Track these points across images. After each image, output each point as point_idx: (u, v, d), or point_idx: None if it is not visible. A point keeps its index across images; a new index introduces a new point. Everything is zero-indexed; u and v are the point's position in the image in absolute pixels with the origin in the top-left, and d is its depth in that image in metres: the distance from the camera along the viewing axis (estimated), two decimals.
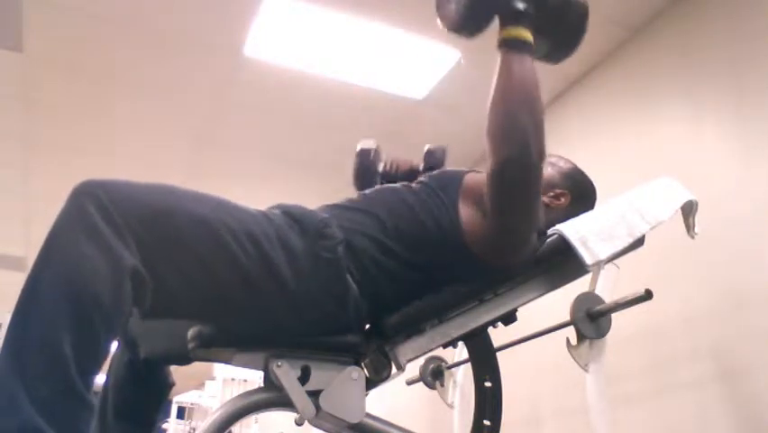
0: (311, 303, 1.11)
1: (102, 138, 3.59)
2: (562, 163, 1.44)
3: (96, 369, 0.91)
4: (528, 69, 1.12)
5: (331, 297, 1.12)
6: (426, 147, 1.62)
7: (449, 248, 1.21)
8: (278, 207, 1.19)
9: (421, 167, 1.60)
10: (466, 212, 1.23)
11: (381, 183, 1.62)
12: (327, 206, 1.26)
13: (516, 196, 1.14)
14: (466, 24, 1.14)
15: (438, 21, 1.17)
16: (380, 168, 1.63)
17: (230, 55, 2.88)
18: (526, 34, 1.13)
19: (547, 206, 1.36)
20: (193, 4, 2.59)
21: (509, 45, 1.13)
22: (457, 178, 1.30)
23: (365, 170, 1.62)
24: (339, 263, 1.13)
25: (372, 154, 1.63)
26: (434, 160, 1.59)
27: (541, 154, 1.12)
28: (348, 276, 1.14)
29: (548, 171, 1.40)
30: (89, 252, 0.91)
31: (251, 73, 3.00)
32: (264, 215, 1.12)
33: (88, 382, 0.89)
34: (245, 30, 2.72)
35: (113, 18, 2.67)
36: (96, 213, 0.93)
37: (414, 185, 1.32)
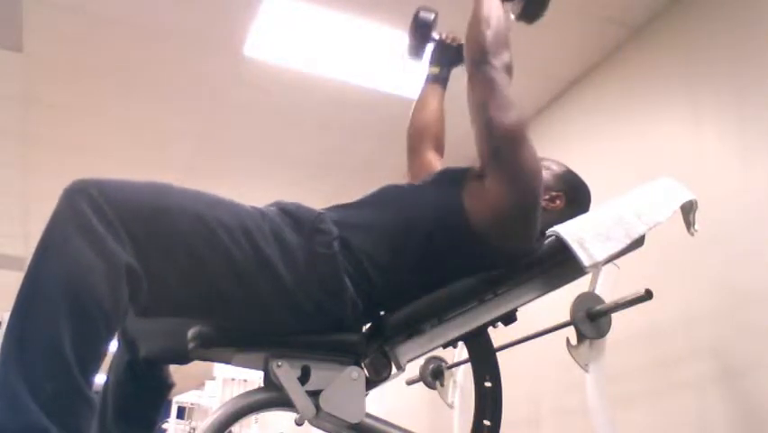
0: (306, 299, 1.11)
1: (101, 138, 3.59)
2: (555, 166, 1.44)
3: (96, 366, 0.91)
4: (495, 4, 1.31)
5: (326, 293, 1.12)
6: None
7: (454, 238, 1.21)
8: (275, 204, 1.19)
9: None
10: (469, 196, 1.23)
11: (434, 56, 1.71)
12: (329, 207, 1.26)
13: (485, 92, 1.22)
14: None
15: None
16: (436, 36, 1.68)
17: (230, 55, 2.88)
18: None
19: (543, 209, 1.36)
20: (193, 4, 2.59)
21: None
22: (463, 172, 1.31)
23: (421, 29, 1.65)
24: (334, 259, 1.13)
25: (430, 19, 1.65)
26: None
27: (503, 62, 1.25)
28: (344, 273, 1.14)
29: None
30: (84, 250, 0.91)
31: (251, 73, 3.00)
32: (259, 211, 1.13)
33: (89, 379, 0.89)
34: (245, 30, 2.72)
35: (113, 18, 2.67)
36: (89, 211, 0.93)
37: (418, 183, 1.33)
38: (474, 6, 1.33)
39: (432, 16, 1.64)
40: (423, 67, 1.76)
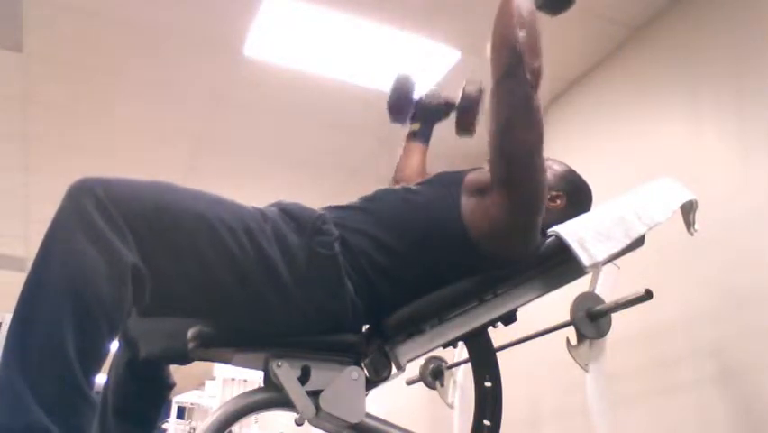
0: (307, 300, 1.11)
1: (102, 138, 3.59)
2: (556, 166, 1.44)
3: (98, 366, 0.91)
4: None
5: (327, 293, 1.12)
6: (465, 80, 1.58)
7: (450, 243, 1.21)
8: (276, 204, 1.19)
9: (457, 102, 1.57)
10: (467, 201, 1.23)
11: (416, 113, 1.65)
12: (326, 207, 1.26)
13: (513, 108, 1.16)
14: None
15: None
16: (416, 97, 1.63)
17: (230, 55, 2.88)
18: None
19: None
20: (193, 4, 2.59)
21: None
22: (459, 176, 1.31)
23: (401, 94, 1.61)
24: (335, 260, 1.13)
25: (410, 81, 1.61)
26: (469, 96, 1.55)
27: (534, 71, 1.16)
28: (344, 273, 1.14)
29: None
30: (88, 250, 0.91)
31: (251, 73, 3.00)
32: (260, 212, 1.13)
33: (91, 380, 0.89)
34: (245, 30, 2.72)
35: (113, 18, 2.67)
36: (94, 210, 0.93)
37: (414, 186, 1.33)
38: (501, 3, 1.21)
39: (410, 80, 1.61)
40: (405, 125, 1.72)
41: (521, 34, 1.16)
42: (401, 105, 1.61)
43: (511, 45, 1.16)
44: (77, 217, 0.93)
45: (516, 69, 1.15)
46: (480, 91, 1.54)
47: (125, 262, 0.93)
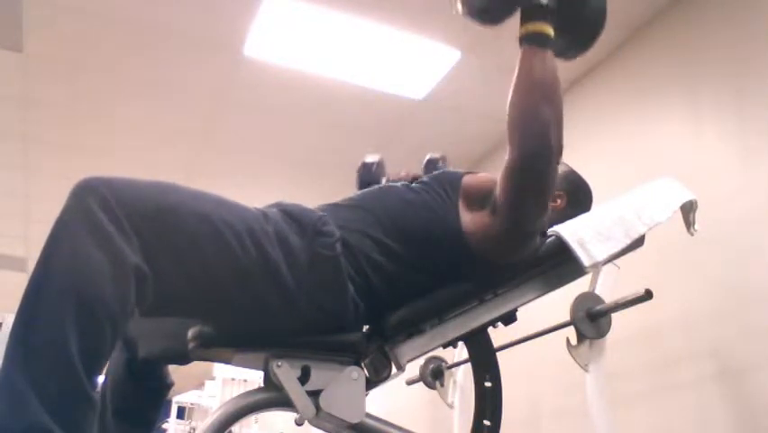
0: (308, 301, 1.11)
1: (102, 138, 3.59)
2: None
3: (100, 367, 0.91)
4: (549, 64, 1.13)
5: (328, 295, 1.12)
6: (427, 156, 1.63)
7: (449, 246, 1.22)
8: (276, 205, 1.19)
9: (423, 176, 1.61)
10: (466, 212, 1.24)
11: None
12: (325, 204, 1.26)
13: (532, 188, 1.15)
14: (488, 12, 1.14)
15: (457, 4, 1.14)
16: (384, 180, 1.65)
17: (230, 55, 2.88)
18: (548, 29, 1.13)
19: None
20: (193, 4, 2.59)
21: (531, 40, 1.13)
22: (457, 178, 1.31)
23: (368, 183, 1.63)
24: (337, 261, 1.13)
25: (375, 167, 1.64)
26: (434, 169, 1.60)
27: (559, 149, 1.14)
28: (346, 274, 1.14)
29: None
30: (93, 250, 0.91)
31: (251, 73, 3.00)
32: (263, 213, 1.13)
33: (94, 380, 0.89)
34: (245, 30, 2.72)
35: (113, 18, 2.67)
36: (99, 210, 0.92)
37: (414, 185, 1.33)
38: (524, 65, 1.13)
39: (374, 166, 1.64)
40: None
41: (548, 111, 1.11)
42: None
43: (537, 127, 1.11)
44: (82, 217, 0.92)
45: (541, 155, 1.12)
46: (444, 163, 1.59)
47: (129, 263, 0.93)
